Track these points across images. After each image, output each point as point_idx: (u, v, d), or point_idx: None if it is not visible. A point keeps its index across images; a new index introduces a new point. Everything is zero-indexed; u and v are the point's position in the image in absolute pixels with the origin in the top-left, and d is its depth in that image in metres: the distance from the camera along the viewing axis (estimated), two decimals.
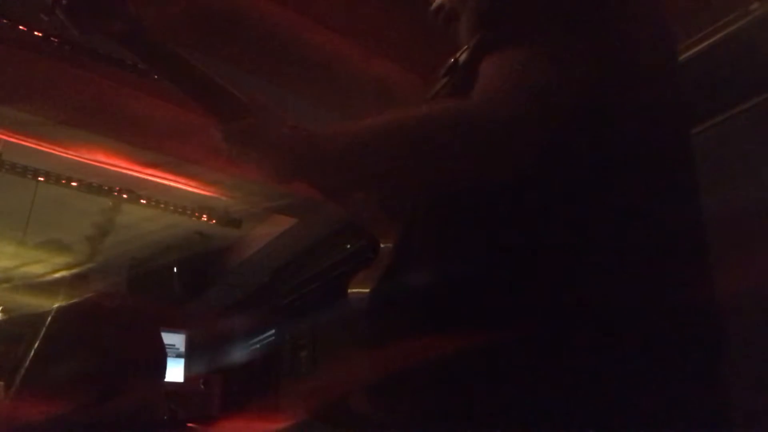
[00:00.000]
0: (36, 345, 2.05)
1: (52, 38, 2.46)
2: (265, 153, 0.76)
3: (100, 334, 2.04)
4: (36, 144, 2.84)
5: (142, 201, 3.47)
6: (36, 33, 2.43)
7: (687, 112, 0.76)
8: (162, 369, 2.25)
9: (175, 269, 4.17)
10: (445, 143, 0.64)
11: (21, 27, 2.40)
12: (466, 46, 0.75)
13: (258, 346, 4.72)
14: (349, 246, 3.67)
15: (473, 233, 0.67)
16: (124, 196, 3.37)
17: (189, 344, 4.89)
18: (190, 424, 3.58)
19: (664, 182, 0.67)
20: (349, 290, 0.87)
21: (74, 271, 2.19)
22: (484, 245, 0.66)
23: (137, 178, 3.18)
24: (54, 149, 2.89)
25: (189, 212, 3.69)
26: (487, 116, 0.62)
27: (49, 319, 2.10)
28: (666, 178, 0.67)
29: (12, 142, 2.84)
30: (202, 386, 4.98)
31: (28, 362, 2.02)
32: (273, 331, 4.57)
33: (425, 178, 0.68)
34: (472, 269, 0.65)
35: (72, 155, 2.95)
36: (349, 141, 0.71)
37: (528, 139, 0.62)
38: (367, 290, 0.80)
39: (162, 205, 3.57)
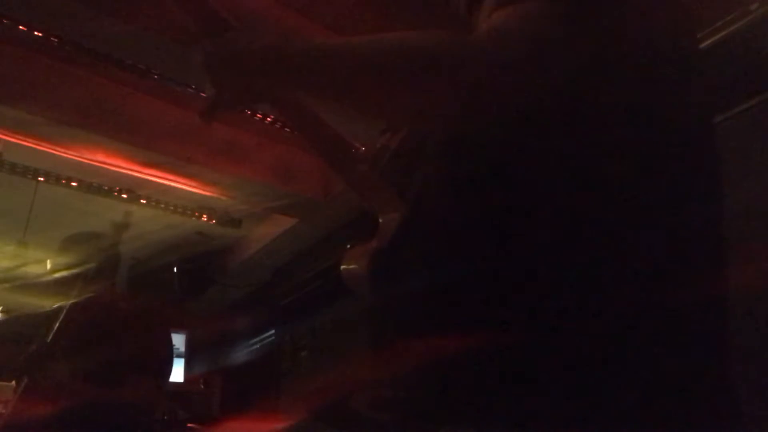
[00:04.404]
0: (45, 343, 2.05)
1: (52, 38, 2.46)
2: (242, 64, 0.73)
3: (106, 332, 2.05)
4: (36, 144, 2.84)
5: (142, 201, 3.47)
6: (36, 33, 2.43)
7: (706, 103, 0.73)
8: (166, 368, 2.25)
9: (175, 269, 4.17)
10: (432, 71, 0.62)
11: (21, 27, 2.40)
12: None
13: (258, 346, 4.72)
14: (349, 246, 3.67)
15: (481, 223, 0.66)
16: (124, 196, 3.37)
17: (189, 344, 4.89)
18: (190, 424, 3.58)
19: (675, 175, 0.65)
20: (343, 266, 0.84)
21: (74, 271, 2.19)
22: (493, 236, 0.65)
23: (137, 178, 3.18)
24: (54, 149, 2.89)
25: (189, 212, 3.69)
26: (484, 52, 0.60)
27: (60, 316, 2.10)
28: (679, 170, 0.65)
29: (12, 142, 2.84)
30: (202, 386, 4.98)
31: (37, 359, 2.02)
32: (273, 331, 4.57)
33: (405, 104, 0.66)
34: (478, 260, 0.64)
35: (72, 155, 2.95)
36: (334, 51, 0.69)
37: (524, 84, 0.60)
38: (363, 270, 0.78)
39: (162, 205, 3.58)
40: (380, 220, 0.82)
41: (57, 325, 2.04)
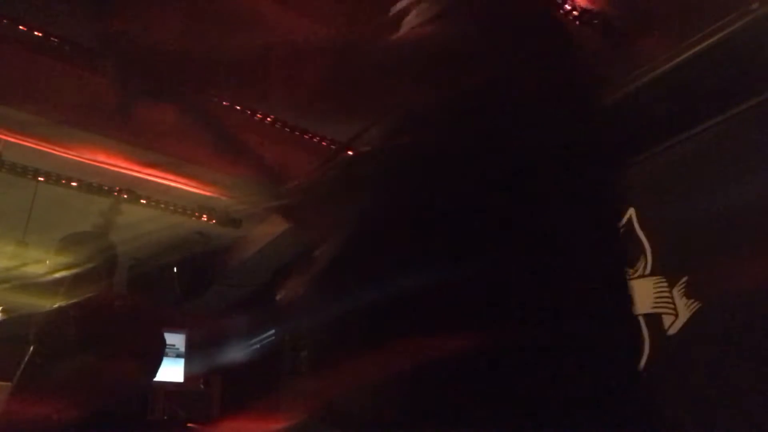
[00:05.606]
0: (37, 345, 2.06)
1: (52, 38, 2.46)
2: None
3: (101, 333, 2.05)
4: (36, 144, 2.84)
5: (142, 201, 3.47)
6: (36, 33, 2.43)
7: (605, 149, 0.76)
8: (157, 366, 2.26)
9: (175, 269, 4.17)
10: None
11: (21, 27, 2.40)
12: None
13: (258, 346, 4.71)
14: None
15: (411, 246, 0.67)
16: (124, 196, 3.37)
17: (189, 344, 4.89)
18: (190, 424, 3.58)
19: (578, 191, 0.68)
20: (278, 296, 0.85)
21: (74, 271, 2.19)
22: (418, 248, 0.67)
23: (137, 178, 3.18)
24: (54, 149, 2.89)
25: (189, 212, 3.69)
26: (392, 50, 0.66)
27: (50, 318, 2.11)
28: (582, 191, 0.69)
29: (12, 142, 2.84)
30: (202, 386, 4.98)
31: (27, 361, 2.03)
32: (273, 331, 4.57)
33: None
34: (406, 273, 0.66)
35: (72, 155, 2.95)
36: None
37: (426, 86, 0.64)
38: (296, 295, 0.79)
39: (162, 205, 3.58)
40: (314, 253, 0.83)
41: (53, 324, 2.05)
